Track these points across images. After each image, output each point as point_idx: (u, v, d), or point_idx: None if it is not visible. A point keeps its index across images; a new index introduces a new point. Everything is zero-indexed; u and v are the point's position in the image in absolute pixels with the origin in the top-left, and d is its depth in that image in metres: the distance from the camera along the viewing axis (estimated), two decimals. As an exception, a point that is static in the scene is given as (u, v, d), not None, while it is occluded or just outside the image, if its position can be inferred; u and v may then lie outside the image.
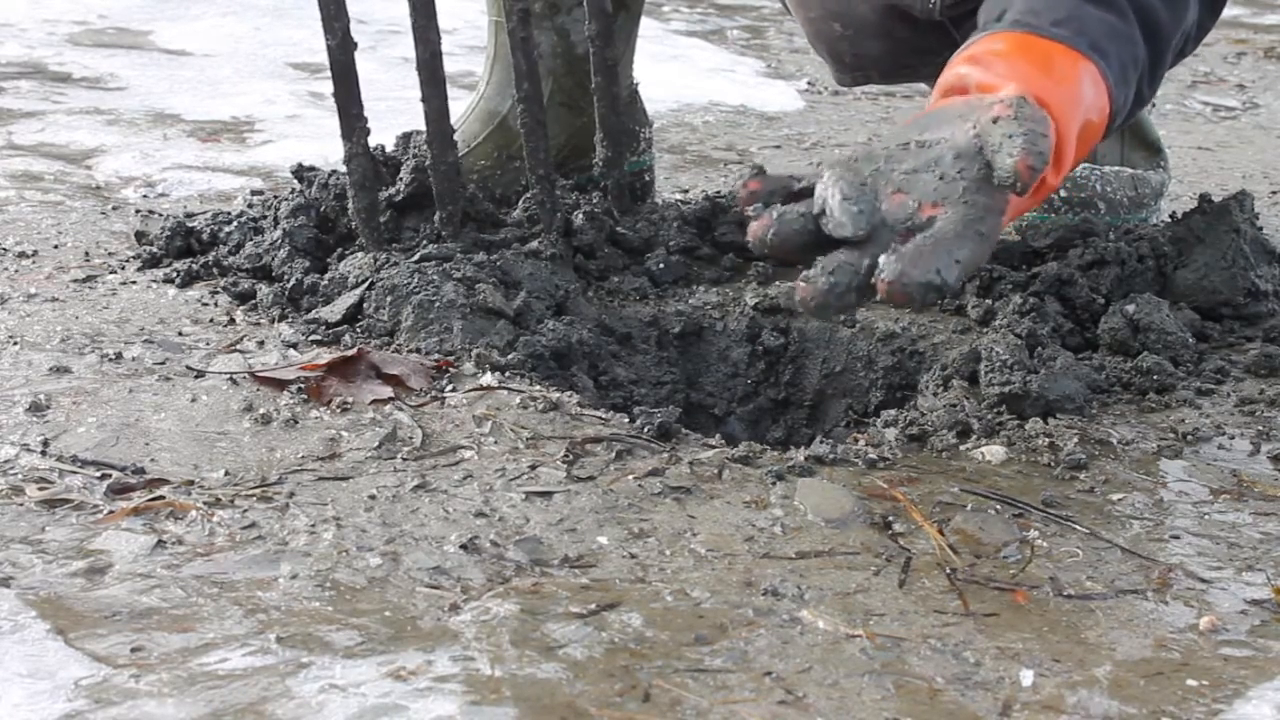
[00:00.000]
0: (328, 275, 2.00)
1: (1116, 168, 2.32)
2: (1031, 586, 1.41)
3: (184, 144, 2.81)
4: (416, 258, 1.96)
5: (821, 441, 1.67)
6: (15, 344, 1.84)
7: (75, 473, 1.55)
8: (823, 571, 1.42)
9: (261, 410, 1.67)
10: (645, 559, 1.43)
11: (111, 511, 1.48)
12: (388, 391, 1.72)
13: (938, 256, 1.42)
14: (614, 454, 1.61)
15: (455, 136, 2.07)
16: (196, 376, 1.77)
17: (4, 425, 1.64)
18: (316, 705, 1.20)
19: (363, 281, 1.94)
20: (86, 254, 2.19)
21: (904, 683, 1.26)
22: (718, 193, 2.35)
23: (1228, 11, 2.11)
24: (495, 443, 1.63)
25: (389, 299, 1.89)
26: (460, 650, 1.27)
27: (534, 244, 2.04)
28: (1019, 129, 1.46)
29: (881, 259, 1.43)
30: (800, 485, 1.56)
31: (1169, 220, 2.16)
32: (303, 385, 1.72)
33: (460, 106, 2.22)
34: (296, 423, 1.66)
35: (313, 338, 1.87)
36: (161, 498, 1.50)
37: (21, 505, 1.49)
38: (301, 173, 2.22)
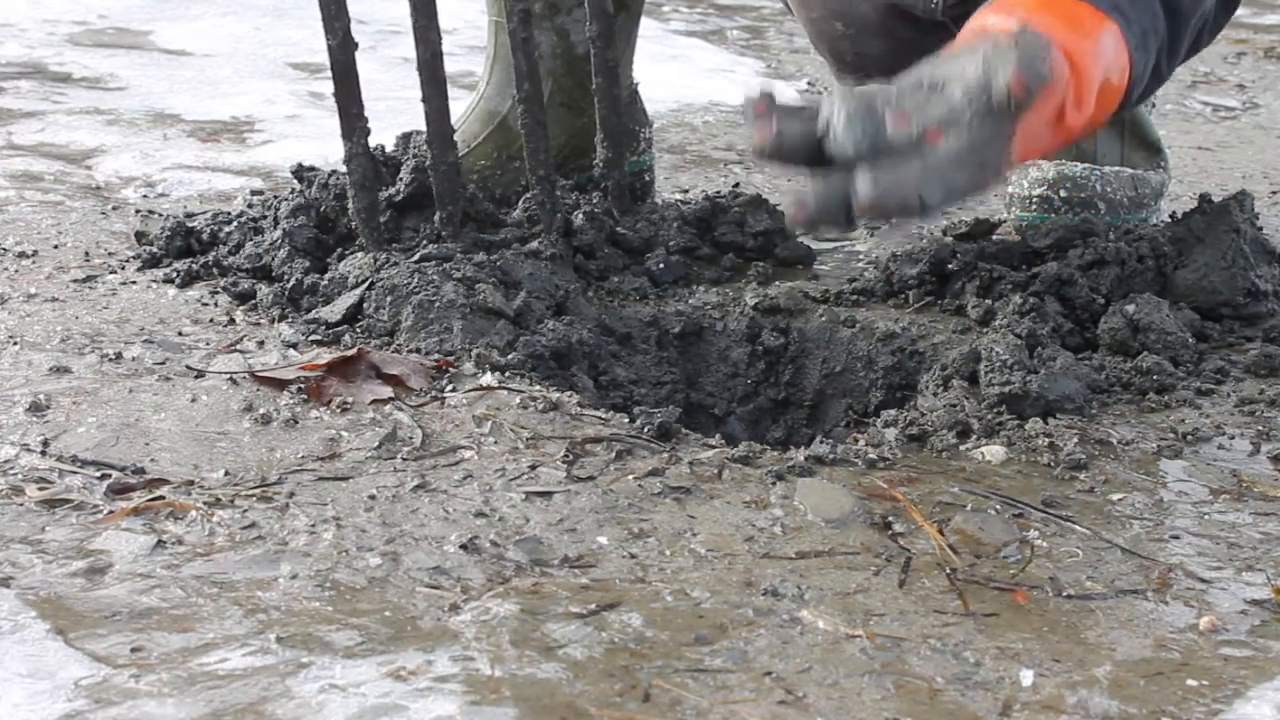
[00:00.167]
0: (328, 275, 2.00)
1: (1116, 168, 2.32)
2: (1031, 586, 1.41)
3: (184, 144, 2.81)
4: (416, 258, 1.96)
5: (821, 441, 1.67)
6: (15, 344, 1.84)
7: (75, 473, 1.55)
8: (823, 571, 1.42)
9: (261, 410, 1.67)
10: (645, 559, 1.43)
11: (111, 511, 1.48)
12: (388, 391, 1.72)
13: (927, 179, 1.42)
14: (614, 454, 1.61)
15: (455, 136, 2.07)
16: (196, 376, 1.77)
17: (4, 425, 1.64)
18: (316, 705, 1.20)
19: (363, 281, 1.94)
20: (86, 254, 2.19)
21: (904, 683, 1.26)
22: (718, 193, 2.35)
23: (1228, 12, 2.10)
24: (495, 443, 1.63)
25: (389, 299, 1.89)
26: (460, 650, 1.27)
27: (534, 244, 2.04)
28: (1016, 51, 1.46)
29: (871, 172, 1.43)
30: (800, 485, 1.56)
31: (1169, 220, 2.16)
32: (303, 385, 1.72)
33: (460, 106, 2.22)
34: (296, 423, 1.66)
35: (313, 338, 1.87)
36: (161, 498, 1.50)
37: (21, 505, 1.49)
38: (301, 173, 2.22)
